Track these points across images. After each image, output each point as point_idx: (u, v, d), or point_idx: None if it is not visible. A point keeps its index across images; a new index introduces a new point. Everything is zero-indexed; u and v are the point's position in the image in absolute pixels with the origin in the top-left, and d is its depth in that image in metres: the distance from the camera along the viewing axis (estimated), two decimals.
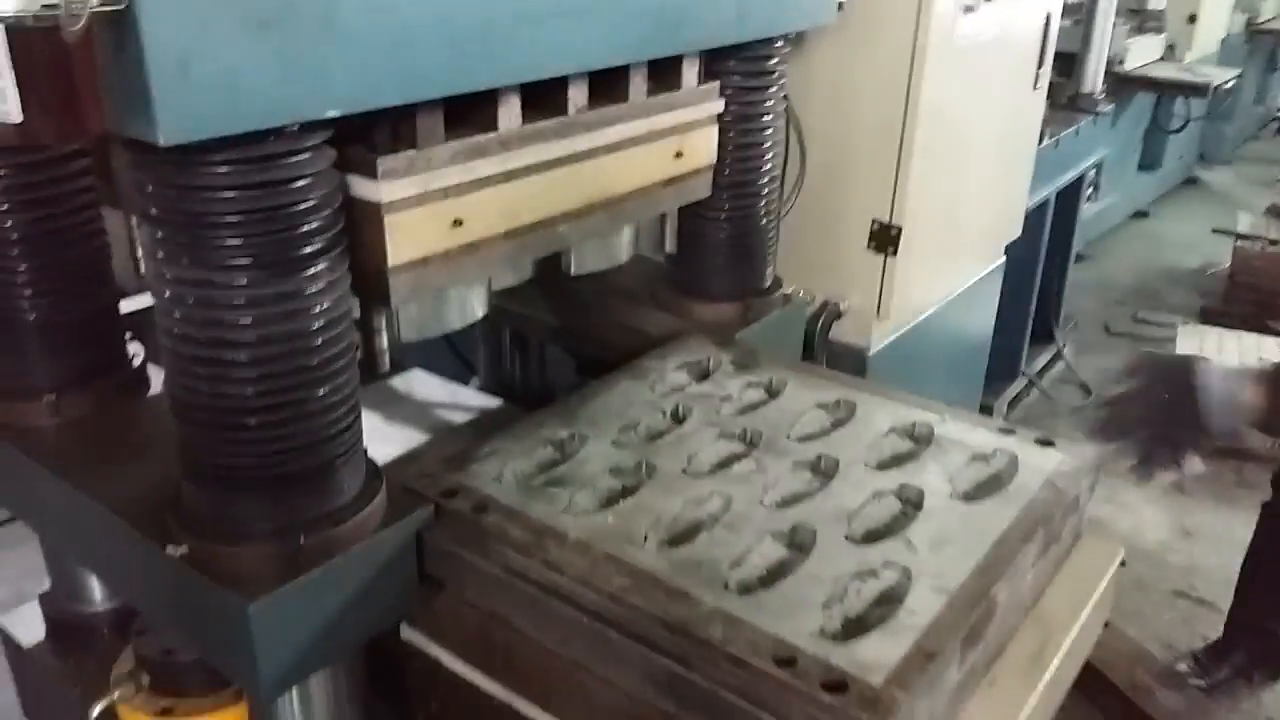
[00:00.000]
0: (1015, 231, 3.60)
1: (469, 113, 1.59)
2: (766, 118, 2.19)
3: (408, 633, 1.66)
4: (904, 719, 1.18)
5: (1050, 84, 4.59)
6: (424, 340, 1.74)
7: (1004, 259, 3.63)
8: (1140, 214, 7.63)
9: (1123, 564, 1.72)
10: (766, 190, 2.26)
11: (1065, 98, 5.14)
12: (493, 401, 2.17)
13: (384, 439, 1.91)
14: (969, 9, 2.70)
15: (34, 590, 2.11)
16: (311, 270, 1.38)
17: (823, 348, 2.83)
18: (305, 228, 1.35)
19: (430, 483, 1.60)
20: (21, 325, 1.76)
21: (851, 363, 2.87)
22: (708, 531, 1.51)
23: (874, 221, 2.75)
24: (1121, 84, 5.71)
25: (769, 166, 2.24)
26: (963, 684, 1.38)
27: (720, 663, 1.26)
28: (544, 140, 1.69)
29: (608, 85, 1.81)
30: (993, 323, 3.76)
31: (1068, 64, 5.05)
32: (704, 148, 2.07)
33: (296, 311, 1.38)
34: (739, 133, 2.15)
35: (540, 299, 2.42)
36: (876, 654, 1.26)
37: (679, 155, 2.00)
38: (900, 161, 2.67)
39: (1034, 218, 4.59)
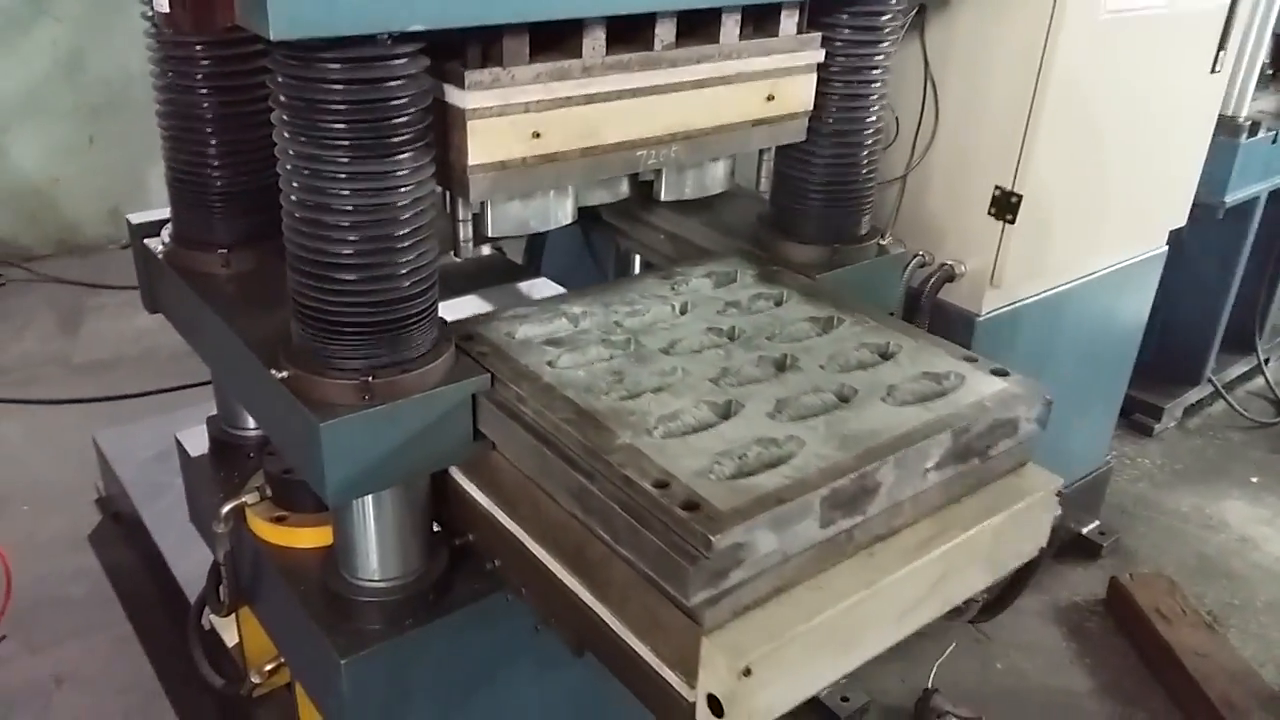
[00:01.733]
0: (1178, 220, 3.46)
1: (560, 40, 1.84)
2: (874, 72, 2.29)
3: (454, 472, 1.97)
4: (736, 538, 1.43)
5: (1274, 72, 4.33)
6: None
7: (1165, 248, 3.51)
8: None
9: (1060, 495, 1.84)
10: (869, 142, 2.37)
11: None
12: None
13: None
14: None
15: None
16: (400, 156, 1.67)
17: (929, 305, 2.91)
18: (396, 120, 1.64)
19: (456, 328, 1.94)
20: (208, 190, 2.16)
21: (959, 326, 2.93)
22: (655, 393, 1.78)
23: (996, 188, 2.79)
24: None
25: (873, 119, 2.35)
26: (831, 543, 1.60)
27: (615, 480, 1.56)
28: (627, 71, 1.91)
29: (701, 26, 2.01)
30: (1146, 313, 3.64)
31: None
32: (799, 94, 2.22)
33: (386, 189, 1.68)
34: (844, 84, 2.27)
35: (657, 226, 2.67)
36: (738, 494, 1.50)
37: (770, 98, 2.16)
38: (1027, 130, 2.69)
39: (1235, 215, 4.36)
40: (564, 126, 1.87)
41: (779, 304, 2.14)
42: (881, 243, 2.51)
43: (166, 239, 2.25)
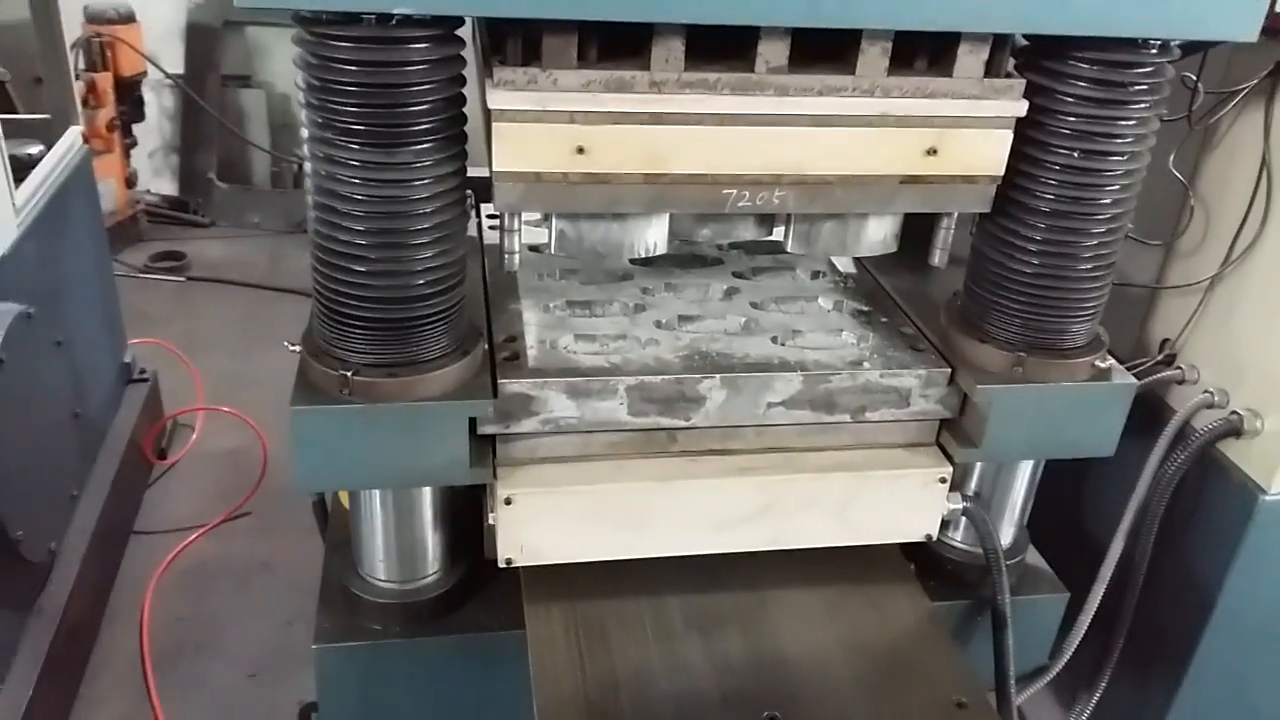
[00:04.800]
0: None
1: (636, 47, 1.57)
2: (1116, 142, 1.73)
3: None
4: (523, 390, 1.79)
5: None
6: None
7: None
8: None
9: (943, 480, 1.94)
10: (1098, 231, 1.80)
11: None
12: None
13: None
14: None
15: None
16: (417, 147, 1.55)
17: (1193, 457, 2.18)
18: (412, 107, 1.52)
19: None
20: None
21: (1236, 499, 2.17)
22: (600, 300, 2.10)
23: None
24: None
25: (1107, 201, 1.78)
26: (649, 437, 1.89)
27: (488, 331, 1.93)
28: (711, 92, 1.59)
29: (835, 49, 1.62)
30: None
31: None
32: (979, 153, 1.72)
33: (400, 181, 1.56)
34: (1066, 152, 1.73)
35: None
36: (555, 361, 1.87)
37: (932, 153, 1.70)
38: None
39: None
40: (619, 145, 1.60)
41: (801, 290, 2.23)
42: (1100, 365, 1.91)
43: None
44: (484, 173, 1.63)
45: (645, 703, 1.73)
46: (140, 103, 5.56)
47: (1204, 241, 2.26)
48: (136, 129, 5.60)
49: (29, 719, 2.40)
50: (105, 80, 5.18)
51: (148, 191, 5.92)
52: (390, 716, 1.99)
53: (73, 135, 3.23)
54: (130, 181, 5.53)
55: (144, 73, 5.45)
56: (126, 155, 5.50)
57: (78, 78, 4.95)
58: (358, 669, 1.93)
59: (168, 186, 6.12)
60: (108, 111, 5.20)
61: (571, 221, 1.75)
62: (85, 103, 5.05)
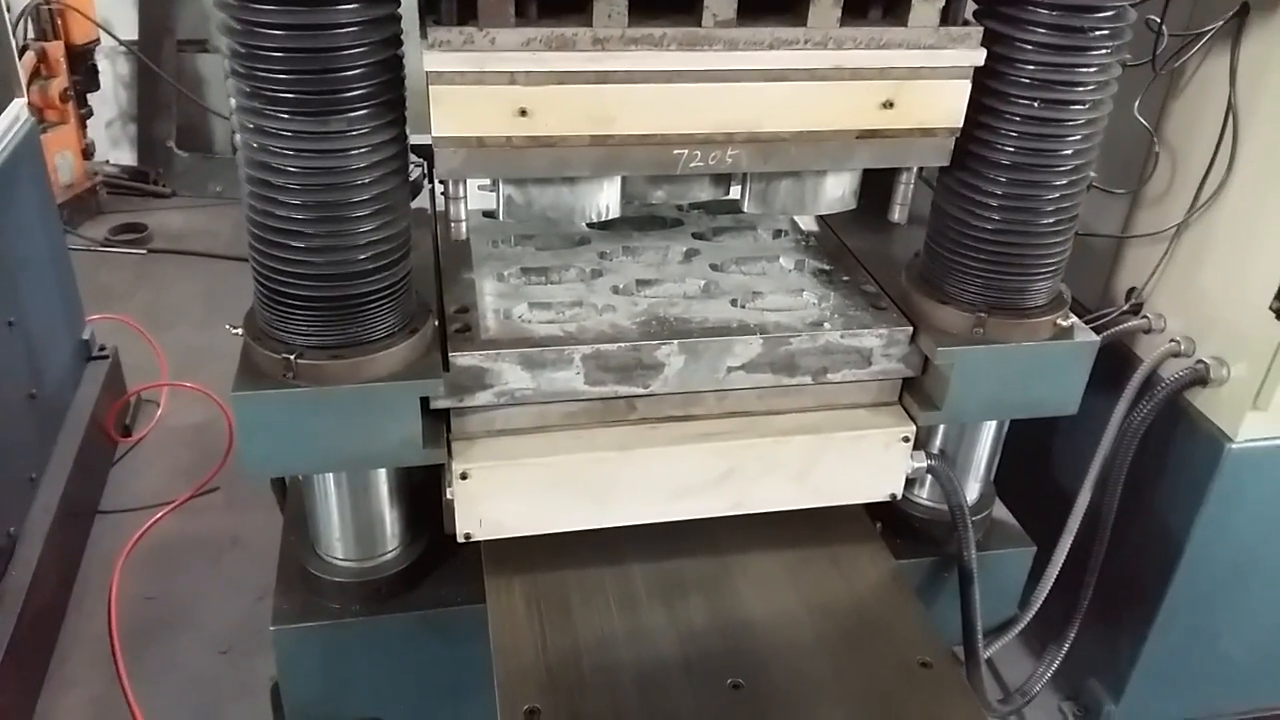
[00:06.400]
0: None
1: (577, 3, 1.51)
2: (1080, 89, 1.68)
3: None
4: (476, 362, 1.75)
5: None
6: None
7: None
8: None
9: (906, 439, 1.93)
10: (1060, 183, 1.76)
11: None
12: None
13: None
14: None
15: None
16: (351, 114, 1.48)
17: (1159, 407, 2.16)
18: (344, 72, 1.45)
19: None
20: None
21: (1203, 448, 2.16)
22: (556, 266, 2.06)
23: None
24: None
25: (1068, 152, 1.73)
26: (606, 405, 1.86)
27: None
28: (658, 48, 1.53)
29: (784, 1, 1.57)
30: None
31: None
32: (936, 105, 1.67)
33: (335, 150, 1.50)
34: (1026, 102, 1.69)
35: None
36: (509, 331, 1.83)
37: (888, 105, 1.65)
38: None
39: None
40: (562, 107, 1.55)
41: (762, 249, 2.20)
42: (1061, 324, 1.88)
43: None
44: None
45: (608, 672, 1.71)
46: (94, 71, 5.41)
47: (1170, 189, 2.22)
48: (92, 99, 5.45)
49: None
50: (56, 49, 5.02)
51: (106, 162, 5.78)
52: (352, 694, 1.97)
53: (16, 108, 3.13)
54: (87, 153, 5.40)
55: (97, 40, 5.29)
56: (82, 126, 5.36)
57: (27, 47, 4.81)
58: (318, 649, 1.91)
59: (126, 157, 5.98)
60: (60, 81, 5.06)
61: (519, 187, 1.69)
62: (37, 73, 4.91)
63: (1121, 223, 2.38)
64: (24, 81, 3.33)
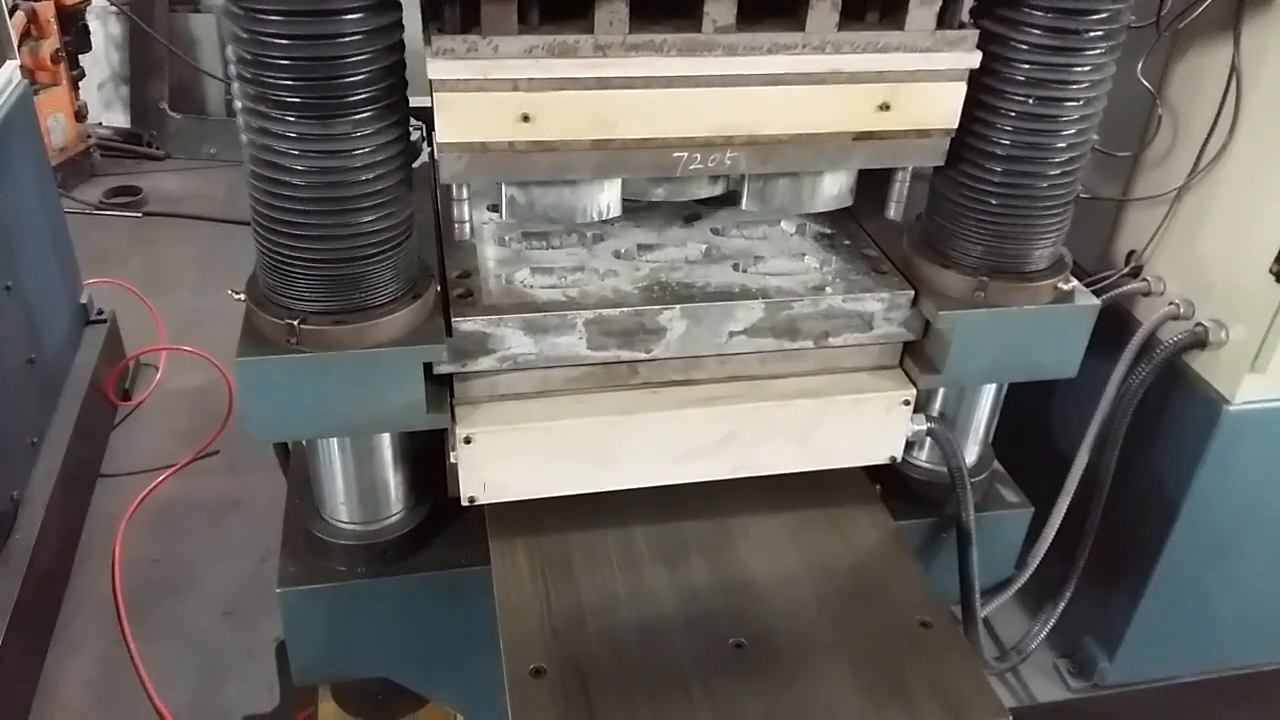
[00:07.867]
0: None
1: (580, 9, 1.51)
2: (1074, 87, 1.66)
3: None
4: (479, 327, 1.74)
5: None
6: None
7: None
8: None
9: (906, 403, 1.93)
10: (1059, 161, 1.74)
11: None
12: None
13: None
14: None
15: None
16: (355, 117, 1.47)
17: (1157, 369, 2.18)
18: (349, 79, 1.44)
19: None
20: None
21: (1201, 410, 2.17)
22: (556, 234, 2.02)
23: None
24: None
25: (1063, 145, 1.72)
26: (609, 370, 1.86)
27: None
28: (658, 54, 1.52)
29: (784, 5, 1.56)
30: None
31: None
32: (932, 107, 1.66)
33: (339, 152, 1.49)
34: (1021, 100, 1.67)
35: None
36: (510, 297, 1.80)
37: (885, 108, 1.64)
38: None
39: None
40: (564, 112, 1.54)
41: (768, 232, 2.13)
42: (1062, 287, 1.88)
43: None
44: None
45: (611, 632, 1.73)
46: (85, 32, 5.37)
47: (1171, 151, 2.22)
48: (83, 60, 5.41)
49: (0, 666, 2.40)
50: (47, 10, 4.98)
51: (99, 124, 5.75)
52: (357, 657, 2.00)
53: (9, 70, 3.11)
54: (80, 115, 5.37)
55: (87, 0, 5.24)
56: (75, 88, 5.32)
57: (17, 7, 4.76)
58: (324, 610, 1.92)
59: (119, 119, 5.94)
60: (52, 43, 5.02)
61: (522, 188, 1.70)
62: (28, 34, 4.87)
63: (1123, 185, 2.38)
64: (15, 43, 3.30)
